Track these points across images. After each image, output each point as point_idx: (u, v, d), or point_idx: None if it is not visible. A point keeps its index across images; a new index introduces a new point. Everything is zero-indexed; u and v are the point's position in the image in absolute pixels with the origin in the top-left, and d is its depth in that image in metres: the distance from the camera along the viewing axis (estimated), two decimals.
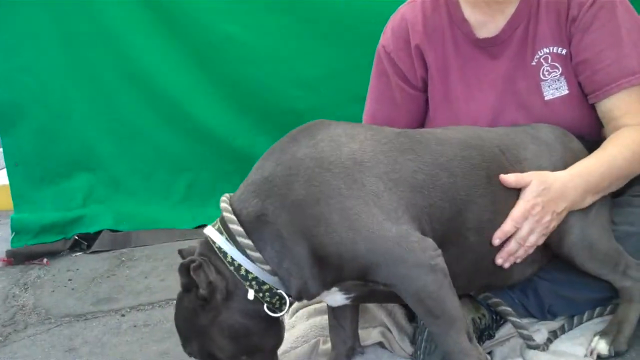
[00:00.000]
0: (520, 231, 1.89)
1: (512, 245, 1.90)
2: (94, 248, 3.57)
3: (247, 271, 1.72)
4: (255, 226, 1.73)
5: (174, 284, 2.93)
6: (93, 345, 2.52)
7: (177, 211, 3.78)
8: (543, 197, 1.88)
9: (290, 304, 1.78)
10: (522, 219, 1.88)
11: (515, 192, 1.92)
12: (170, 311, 2.67)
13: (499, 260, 1.92)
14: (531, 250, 1.92)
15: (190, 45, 3.75)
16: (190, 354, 1.84)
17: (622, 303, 2.03)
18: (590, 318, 2.11)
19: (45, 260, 3.48)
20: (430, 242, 1.74)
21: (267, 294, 1.74)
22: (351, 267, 1.71)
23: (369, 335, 2.11)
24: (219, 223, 1.79)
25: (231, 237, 1.74)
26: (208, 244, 1.79)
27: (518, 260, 1.93)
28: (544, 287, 2.11)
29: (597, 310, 2.11)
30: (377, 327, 2.13)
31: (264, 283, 1.73)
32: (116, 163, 3.86)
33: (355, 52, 3.38)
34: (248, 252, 1.73)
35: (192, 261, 1.70)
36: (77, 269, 3.35)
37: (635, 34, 2.09)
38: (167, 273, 3.15)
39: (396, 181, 1.77)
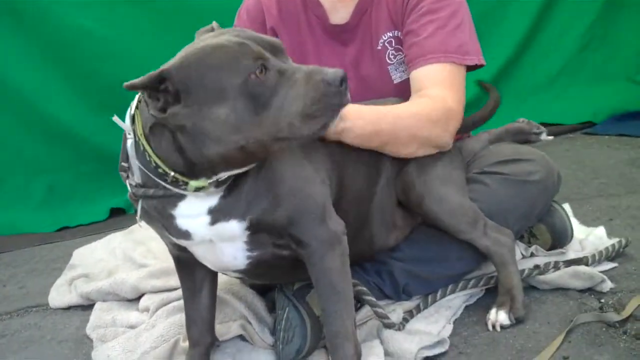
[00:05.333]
0: None
1: None
2: None
3: None
4: None
5: (33, 291, 2.84)
6: None
7: (36, 215, 3.67)
8: None
9: None
10: None
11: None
12: (28, 320, 2.58)
13: None
14: None
15: (44, 42, 3.66)
16: None
17: (499, 270, 2.10)
18: (443, 296, 2.17)
19: None
20: (342, 221, 1.83)
21: None
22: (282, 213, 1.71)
23: (229, 329, 2.10)
24: None
25: None
26: None
27: None
28: (398, 267, 2.18)
29: (450, 287, 2.18)
30: (237, 321, 2.12)
31: None
32: None
33: None
34: None
35: None
36: None
37: (458, 21, 2.18)
38: (27, 279, 3.03)
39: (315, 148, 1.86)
